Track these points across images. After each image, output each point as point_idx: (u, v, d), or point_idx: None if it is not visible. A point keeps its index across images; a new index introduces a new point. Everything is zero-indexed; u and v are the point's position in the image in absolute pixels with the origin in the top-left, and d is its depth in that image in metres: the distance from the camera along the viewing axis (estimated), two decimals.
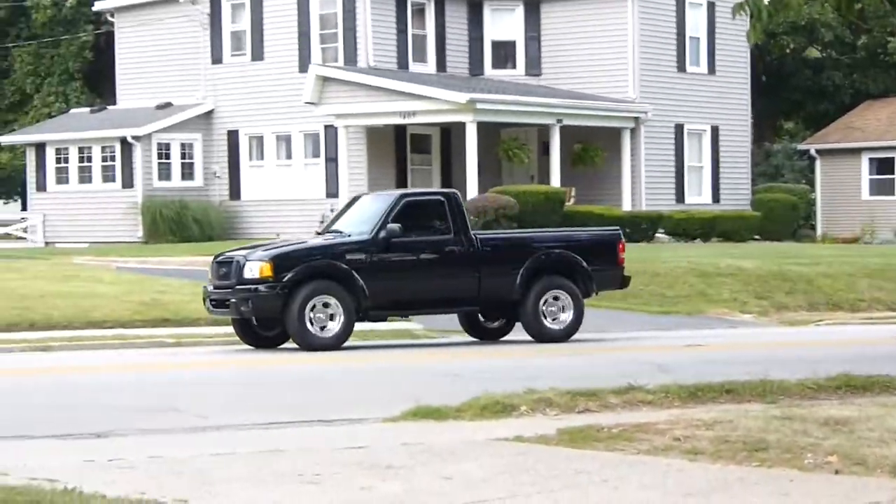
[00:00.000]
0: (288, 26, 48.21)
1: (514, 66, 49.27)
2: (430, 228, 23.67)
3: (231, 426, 13.95)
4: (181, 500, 9.63)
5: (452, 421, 14.09)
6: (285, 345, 23.15)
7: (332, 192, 46.43)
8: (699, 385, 15.75)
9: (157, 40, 51.54)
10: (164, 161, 49.87)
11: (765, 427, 12.70)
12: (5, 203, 73.50)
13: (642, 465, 11.34)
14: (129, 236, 49.10)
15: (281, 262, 22.19)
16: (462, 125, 44.30)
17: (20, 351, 23.18)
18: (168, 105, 50.50)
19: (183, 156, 50.26)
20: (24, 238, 52.54)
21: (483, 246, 23.57)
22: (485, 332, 24.84)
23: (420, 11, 48.09)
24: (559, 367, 18.88)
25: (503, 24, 49.19)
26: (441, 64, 48.60)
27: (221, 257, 23.28)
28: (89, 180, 50.63)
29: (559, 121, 45.44)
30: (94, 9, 55.78)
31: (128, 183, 49.61)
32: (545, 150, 46.88)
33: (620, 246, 24.73)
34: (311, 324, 21.99)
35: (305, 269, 22.27)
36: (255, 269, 22.05)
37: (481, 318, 24.78)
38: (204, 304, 23.44)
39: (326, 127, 46.67)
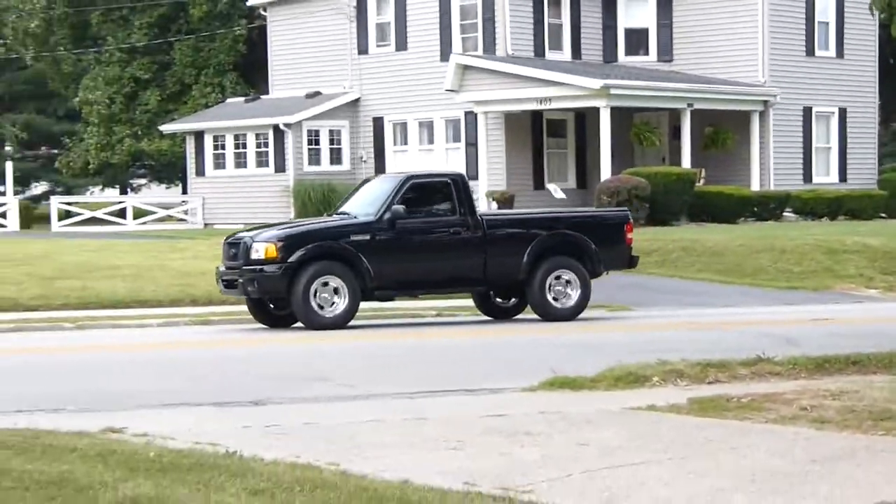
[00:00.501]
0: (430, 17, 48.31)
1: (646, 53, 48.86)
2: (436, 210, 23.11)
3: (378, 395, 14.05)
4: (333, 464, 9.71)
5: (587, 391, 14.08)
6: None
7: (472, 175, 46.15)
8: (826, 357, 15.58)
9: (307, 33, 51.97)
10: (313, 147, 50.25)
11: (890, 397, 12.55)
12: (167, 188, 74.53)
13: (770, 434, 11.25)
14: (282, 216, 49.44)
15: (286, 243, 21.78)
16: (596, 110, 44.03)
17: (184, 325, 23.46)
18: (317, 94, 50.85)
19: (331, 141, 50.60)
20: (185, 220, 53.31)
21: (490, 227, 22.99)
22: (498, 311, 24.22)
23: (556, 1, 47.83)
24: (689, 340, 18.72)
25: (636, 13, 48.80)
26: (576, 51, 48.40)
27: (231, 238, 22.92)
28: (244, 165, 51.19)
29: (690, 105, 45.02)
30: (247, 4, 56.36)
31: (280, 167, 50.09)
32: (676, 133, 46.48)
33: (628, 227, 24.03)
34: (316, 303, 21.52)
35: (310, 249, 21.75)
36: (261, 249, 21.66)
37: (496, 299, 24.20)
38: (217, 284, 23.22)
39: (466, 113, 46.71)
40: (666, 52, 48.34)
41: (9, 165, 59.93)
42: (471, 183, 45.03)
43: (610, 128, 43.23)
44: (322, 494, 8.41)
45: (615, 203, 40.30)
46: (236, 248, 22.16)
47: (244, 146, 51.12)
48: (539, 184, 47.01)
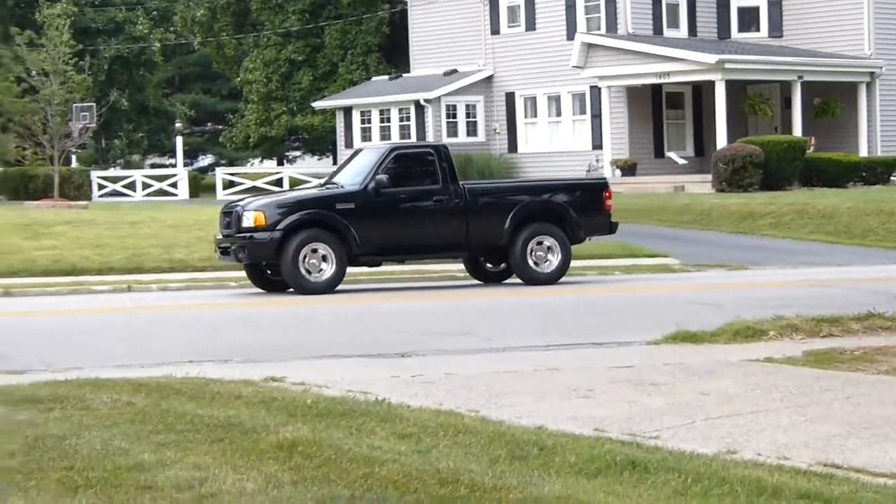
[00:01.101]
0: (556, 1, 48.12)
1: (757, 30, 48.18)
2: (420, 179, 22.01)
3: (514, 348, 13.99)
4: (473, 411, 9.68)
5: (708, 344, 13.90)
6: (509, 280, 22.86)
7: (597, 145, 46.55)
8: None
9: (444, 16, 52.05)
10: (451, 120, 50.37)
11: None
12: (319, 159, 75.14)
13: (881, 384, 11.03)
14: None
15: (273, 212, 20.88)
16: (712, 83, 43.84)
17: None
18: (454, 72, 50.89)
19: (467, 115, 50.67)
20: None
21: (471, 195, 21.92)
22: (488, 276, 23.17)
23: None
24: (803, 296, 18.39)
25: None
26: (692, 29, 47.94)
27: (226, 208, 22.13)
28: (388, 138, 51.37)
29: (800, 77, 44.52)
30: None
31: (421, 139, 50.15)
32: (787, 104, 45.87)
33: (607, 194, 22.93)
34: (305, 269, 20.67)
35: (297, 218, 20.81)
36: (251, 218, 20.80)
37: (487, 264, 23.16)
38: (215, 252, 22.42)
39: (591, 87, 46.54)
40: (776, 28, 47.63)
41: (179, 140, 60.91)
42: (594, 152, 45.80)
43: (725, 99, 43.03)
44: (464, 439, 8.38)
45: (730, 170, 39.96)
46: (230, 217, 21.38)
47: (388, 120, 51.44)
48: (659, 152, 46.79)
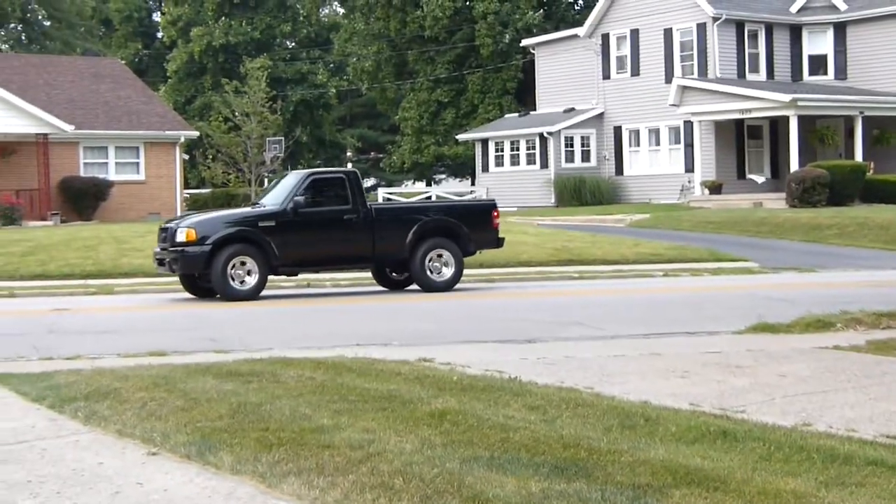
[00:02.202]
0: (656, 50, 47.83)
1: (825, 73, 47.19)
2: (333, 200, 20.39)
3: (621, 336, 13.84)
4: (589, 387, 9.58)
5: (784, 334, 13.62)
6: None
7: (689, 169, 46.13)
8: None
9: (565, 64, 52.04)
10: (569, 149, 50.20)
11: None
12: (460, 181, 75.40)
13: None
14: (545, 202, 49.62)
15: (203, 229, 19.45)
16: (786, 118, 43.16)
17: (475, 281, 23.15)
18: (571, 110, 50.74)
19: (582, 145, 50.42)
20: None
21: (378, 215, 20.67)
22: (391, 283, 21.77)
23: (754, 35, 46.86)
24: (865, 295, 17.87)
25: (817, 42, 47.25)
26: (770, 73, 47.17)
27: (163, 224, 20.75)
28: (517, 163, 51.48)
29: (861, 112, 43.66)
30: (521, 44, 56.66)
31: (543, 165, 50.25)
32: (850, 134, 44.96)
33: (495, 213, 21.67)
34: (232, 279, 19.28)
35: (223, 234, 19.39)
36: (183, 234, 19.36)
37: (392, 273, 21.75)
38: (153, 262, 20.89)
39: (685, 122, 46.04)
40: (841, 72, 46.67)
41: (349, 167, 61.49)
42: (687, 175, 45.31)
43: (797, 131, 42.54)
44: (582, 411, 8.29)
45: (801, 189, 39.23)
46: (165, 233, 20.01)
47: (517, 149, 51.48)
48: (741, 174, 46.25)
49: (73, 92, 45.58)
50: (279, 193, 20.58)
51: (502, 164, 52.23)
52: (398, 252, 20.64)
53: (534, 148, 50.71)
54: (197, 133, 48.23)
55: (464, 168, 68.19)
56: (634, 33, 48.68)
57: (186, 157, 51.48)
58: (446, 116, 62.42)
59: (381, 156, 73.39)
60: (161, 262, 20.03)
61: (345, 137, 75.00)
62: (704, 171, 45.12)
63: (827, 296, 18.09)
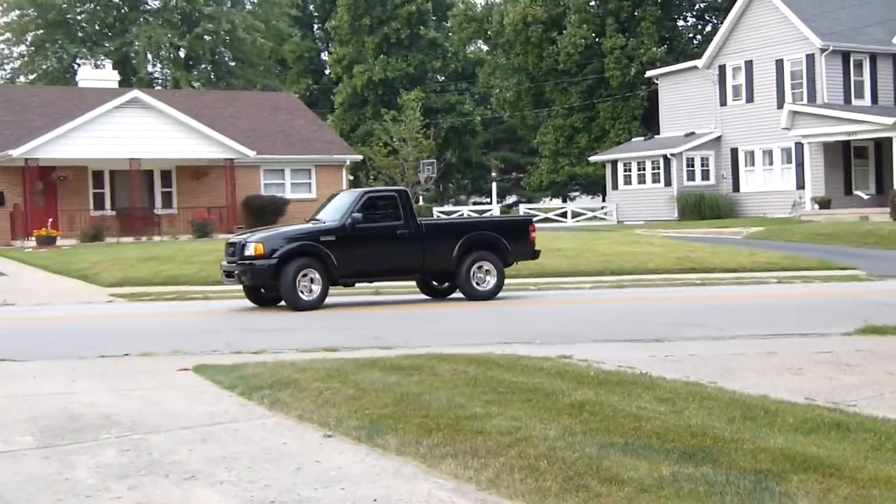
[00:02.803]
0: (769, 79, 46.82)
1: None
2: (386, 217, 19.44)
3: (740, 336, 13.54)
4: (712, 382, 9.41)
5: (891, 336, 13.15)
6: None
7: (800, 186, 45.03)
8: None
9: (685, 93, 51.35)
10: (689, 168, 49.41)
11: None
12: (592, 198, 74.79)
13: None
14: (668, 216, 48.95)
15: (270, 244, 18.53)
16: (889, 139, 41.73)
17: (607, 287, 23.18)
18: (692, 133, 49.97)
19: (702, 165, 49.59)
20: (604, 219, 53.33)
21: (427, 230, 19.69)
22: (435, 292, 20.84)
23: (859, 64, 45.53)
24: None
25: None
26: (874, 98, 45.70)
27: (231, 239, 19.79)
28: (643, 182, 50.90)
29: None
30: (646, 76, 56.07)
31: (667, 183, 49.56)
32: None
33: (531, 228, 20.82)
34: (301, 290, 18.37)
35: (290, 248, 18.47)
36: (252, 248, 18.48)
37: (434, 283, 20.85)
38: (221, 275, 19.83)
39: (796, 143, 44.90)
40: None
41: (493, 185, 61.60)
42: (798, 191, 44.14)
43: None
44: (707, 403, 8.16)
45: None
46: (234, 247, 19.05)
47: (643, 169, 50.92)
48: (848, 190, 44.86)
49: (254, 122, 46.77)
50: (336, 210, 19.71)
51: (630, 183, 51.74)
52: (446, 264, 19.78)
53: (658, 168, 50.11)
54: (360, 156, 48.94)
55: (595, 186, 67.68)
56: (749, 64, 47.73)
57: (351, 177, 52.28)
58: (580, 140, 62.08)
59: (521, 175, 73.31)
60: (230, 275, 19.06)
61: (489, 159, 75.13)
62: (814, 188, 43.90)
63: None
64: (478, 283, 19.87)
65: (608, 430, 7.11)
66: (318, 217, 20.18)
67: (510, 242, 20.23)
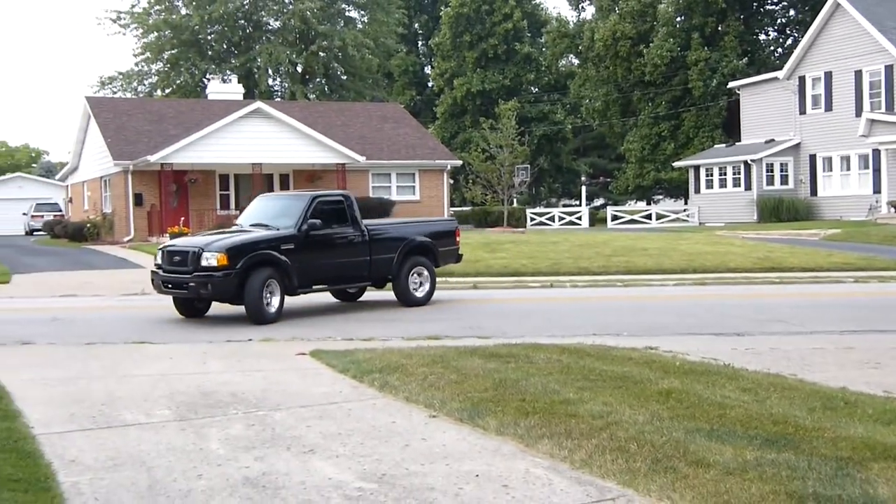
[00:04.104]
0: (847, 89, 45.46)
1: None
2: (337, 221, 17.03)
3: (818, 332, 13.23)
4: (793, 374, 9.23)
5: None
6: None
7: (877, 191, 43.61)
8: None
9: (766, 102, 50.25)
10: (769, 174, 48.31)
11: None
12: (675, 201, 73.65)
13: None
14: (748, 219, 47.98)
15: (233, 254, 15.30)
16: None
17: (690, 284, 22.75)
18: (772, 141, 48.88)
19: (781, 170, 48.43)
20: (687, 221, 52.47)
21: (371, 235, 17.51)
22: (345, 296, 18.91)
23: None
24: None
25: None
26: None
27: (172, 246, 16.13)
28: (724, 186, 49.95)
29: None
30: (728, 86, 55.05)
31: (747, 187, 48.55)
32: None
33: (457, 231, 19.18)
34: (266, 302, 15.40)
35: (252, 258, 15.43)
36: (214, 259, 15.16)
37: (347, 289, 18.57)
38: (153, 284, 16.38)
39: (873, 150, 43.49)
40: None
41: (583, 189, 61.20)
42: (874, 196, 42.83)
43: None
44: (788, 393, 8.00)
45: None
46: (180, 256, 15.68)
47: (724, 174, 49.98)
48: None
49: (363, 130, 47.25)
50: (281, 214, 17.04)
51: (712, 187, 50.88)
52: (387, 270, 17.71)
53: (739, 173, 49.16)
54: (460, 162, 49.04)
55: (678, 190, 66.64)
56: (828, 75, 46.48)
57: (452, 181, 52.45)
58: (666, 147, 61.30)
59: (609, 180, 72.57)
60: (174, 285, 15.72)
61: (579, 165, 74.59)
62: (890, 193, 42.52)
63: None
64: (414, 289, 18.00)
65: (694, 417, 7.02)
66: (256, 222, 17.19)
67: (440, 246, 18.68)
